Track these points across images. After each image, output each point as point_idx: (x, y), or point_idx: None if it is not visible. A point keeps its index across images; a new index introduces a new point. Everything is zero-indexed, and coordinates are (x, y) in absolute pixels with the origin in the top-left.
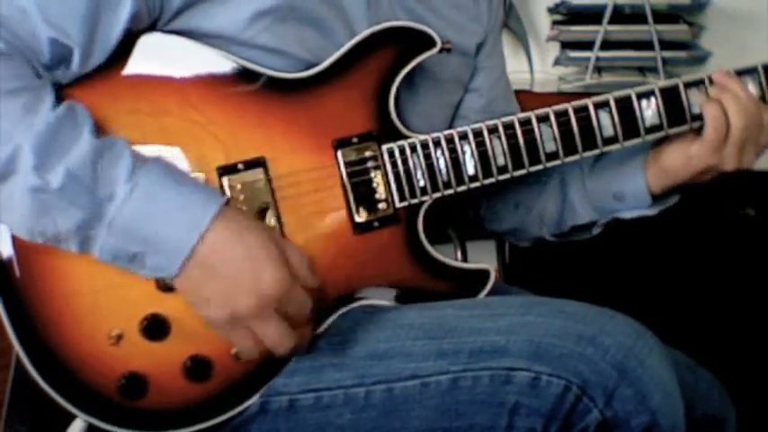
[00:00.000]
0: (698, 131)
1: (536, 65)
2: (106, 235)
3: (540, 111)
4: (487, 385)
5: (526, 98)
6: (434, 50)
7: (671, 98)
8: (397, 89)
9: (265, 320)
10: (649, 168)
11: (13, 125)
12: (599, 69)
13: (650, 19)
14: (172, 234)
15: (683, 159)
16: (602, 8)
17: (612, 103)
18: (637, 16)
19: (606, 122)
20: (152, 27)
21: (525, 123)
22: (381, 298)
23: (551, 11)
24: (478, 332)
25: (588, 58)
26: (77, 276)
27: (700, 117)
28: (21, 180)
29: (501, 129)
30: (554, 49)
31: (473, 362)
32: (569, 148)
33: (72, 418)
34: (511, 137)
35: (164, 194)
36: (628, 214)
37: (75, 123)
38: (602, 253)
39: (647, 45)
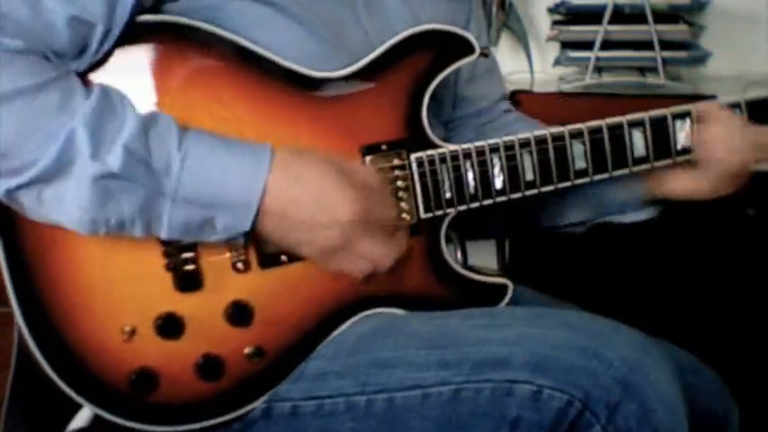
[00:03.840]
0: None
1: (536, 65)
2: (171, 208)
3: (573, 127)
4: (489, 397)
5: (526, 98)
6: (473, 57)
7: None
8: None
9: (358, 242)
10: (650, 190)
11: (56, 118)
12: (599, 69)
13: (650, 19)
14: (235, 192)
15: (683, 191)
16: (602, 8)
17: (647, 123)
18: (637, 16)
19: (639, 142)
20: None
21: (558, 139)
22: (394, 306)
23: (551, 11)
24: (482, 343)
25: (588, 58)
26: (92, 269)
27: None
28: (78, 171)
29: (533, 143)
30: (554, 49)
31: (475, 373)
32: (599, 167)
33: (72, 416)
34: (542, 152)
35: (215, 156)
36: (627, 218)
37: (113, 104)
38: (603, 252)
39: (647, 45)
